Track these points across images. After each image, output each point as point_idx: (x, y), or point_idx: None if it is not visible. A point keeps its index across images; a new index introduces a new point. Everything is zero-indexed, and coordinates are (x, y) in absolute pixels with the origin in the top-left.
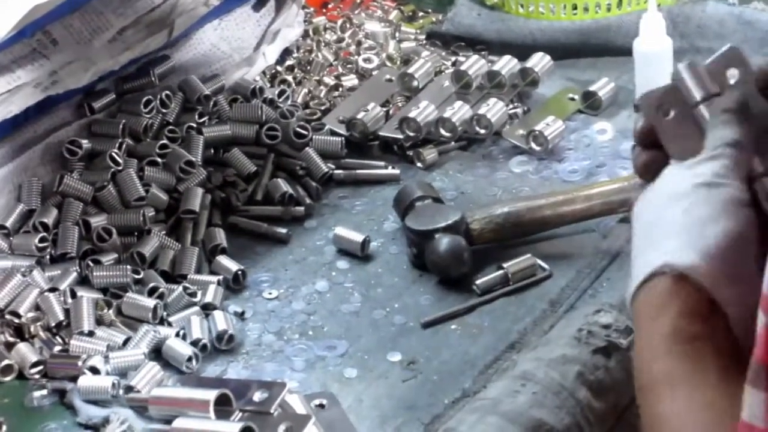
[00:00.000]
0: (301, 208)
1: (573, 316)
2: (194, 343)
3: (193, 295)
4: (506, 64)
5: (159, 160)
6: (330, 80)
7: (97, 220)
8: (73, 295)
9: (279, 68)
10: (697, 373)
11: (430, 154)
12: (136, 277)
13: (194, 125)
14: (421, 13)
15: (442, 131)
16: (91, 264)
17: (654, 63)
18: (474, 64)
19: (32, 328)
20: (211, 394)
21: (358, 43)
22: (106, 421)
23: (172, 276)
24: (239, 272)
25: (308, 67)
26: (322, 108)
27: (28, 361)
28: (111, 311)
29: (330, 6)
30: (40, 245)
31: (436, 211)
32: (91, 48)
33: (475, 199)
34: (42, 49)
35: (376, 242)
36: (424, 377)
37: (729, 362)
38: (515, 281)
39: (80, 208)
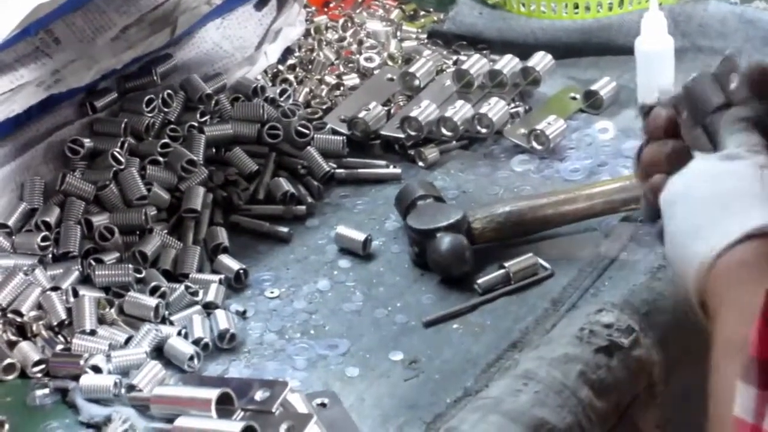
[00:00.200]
0: (303, 207)
1: (575, 315)
2: (196, 342)
3: (195, 294)
4: (508, 63)
5: (161, 159)
6: (331, 79)
7: (99, 219)
8: (75, 294)
9: (281, 67)
10: None
11: (431, 153)
12: (138, 276)
13: (196, 124)
14: (422, 12)
15: (444, 130)
16: (93, 263)
17: (655, 62)
18: (475, 63)
19: (34, 327)
20: (212, 393)
21: (360, 42)
22: (108, 420)
23: (174, 275)
24: (241, 271)
25: (310, 66)
26: (324, 107)
27: (30, 359)
28: (113, 310)
29: (331, 5)
30: (42, 244)
31: (438, 210)
32: (94, 46)
33: (476, 198)
34: (45, 48)
35: (378, 241)
36: (426, 376)
37: None
38: (517, 280)
39: (82, 207)
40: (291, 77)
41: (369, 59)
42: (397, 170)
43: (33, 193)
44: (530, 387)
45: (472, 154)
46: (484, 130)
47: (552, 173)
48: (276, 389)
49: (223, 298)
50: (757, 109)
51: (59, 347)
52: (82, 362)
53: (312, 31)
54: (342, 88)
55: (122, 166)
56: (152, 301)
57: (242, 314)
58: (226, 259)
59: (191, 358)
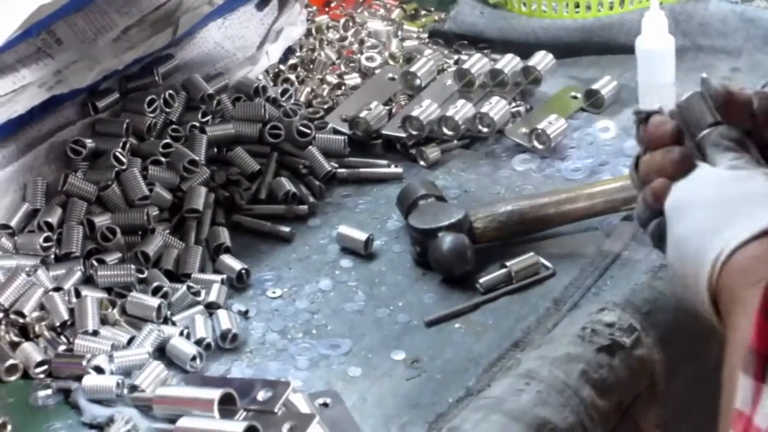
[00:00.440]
0: (305, 207)
1: (577, 314)
2: (198, 342)
3: (197, 294)
4: (509, 63)
5: (162, 159)
6: (333, 79)
7: (101, 220)
8: (78, 294)
9: (282, 67)
10: None
11: (432, 152)
12: (140, 276)
13: (197, 124)
14: (423, 12)
15: (445, 130)
16: (95, 263)
17: (656, 61)
18: (476, 63)
19: (37, 328)
20: (215, 394)
21: (361, 42)
22: (110, 420)
23: (176, 275)
24: (243, 271)
25: (311, 66)
26: (325, 106)
27: (33, 360)
28: (115, 310)
29: (333, 5)
30: (45, 245)
31: (440, 209)
32: (96, 47)
33: (478, 198)
34: (47, 49)
35: (380, 241)
36: (428, 376)
37: None
38: (518, 280)
39: (84, 207)
40: (292, 77)
41: (370, 59)
42: (399, 170)
43: (35, 194)
44: (532, 386)
45: (473, 154)
46: (485, 130)
47: (553, 172)
48: (278, 389)
49: (225, 298)
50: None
51: (62, 348)
52: (84, 363)
53: (313, 31)
54: (343, 88)
55: (124, 167)
56: (154, 302)
57: (244, 314)
58: (228, 259)
59: (193, 359)
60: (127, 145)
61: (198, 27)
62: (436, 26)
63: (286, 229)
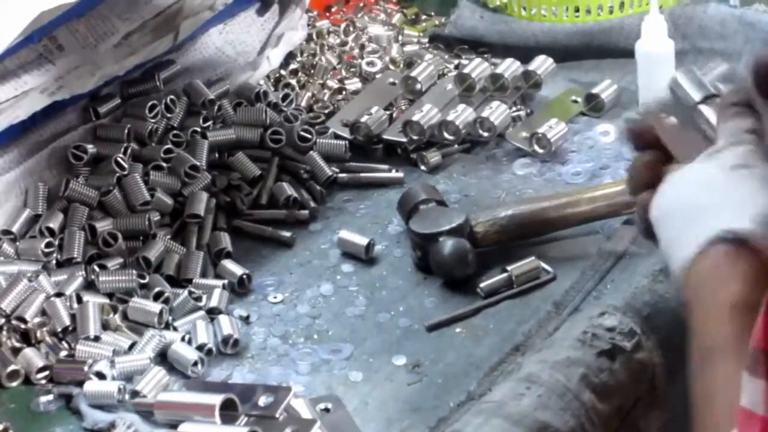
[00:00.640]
0: (306, 212)
1: (577, 318)
2: (200, 348)
3: (199, 299)
4: (509, 67)
5: (164, 164)
6: (333, 84)
7: (103, 225)
8: (79, 300)
9: (283, 72)
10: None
11: (433, 157)
12: (142, 281)
13: (199, 129)
14: (424, 16)
15: (446, 134)
16: (96, 269)
17: (656, 64)
18: (477, 67)
19: (38, 333)
20: (216, 399)
21: (362, 47)
22: (112, 425)
23: (178, 280)
24: (244, 276)
25: (312, 71)
26: (326, 111)
27: (35, 366)
28: (117, 316)
29: (333, 9)
30: (46, 250)
31: (440, 214)
32: (97, 53)
33: (478, 202)
34: (48, 55)
35: (381, 245)
36: (429, 380)
37: None
38: (519, 284)
39: (86, 212)
40: (293, 82)
41: (371, 63)
42: (400, 174)
43: (37, 199)
44: (533, 390)
45: (474, 158)
46: (485, 134)
47: (554, 176)
48: (279, 394)
49: (226, 303)
50: (745, 89)
51: (63, 353)
52: (86, 368)
53: (314, 36)
54: (344, 93)
55: (126, 172)
56: (156, 307)
57: (246, 319)
58: (229, 264)
59: (195, 364)
60: (129, 151)
61: (199, 32)
62: (436, 31)
63: (287, 233)
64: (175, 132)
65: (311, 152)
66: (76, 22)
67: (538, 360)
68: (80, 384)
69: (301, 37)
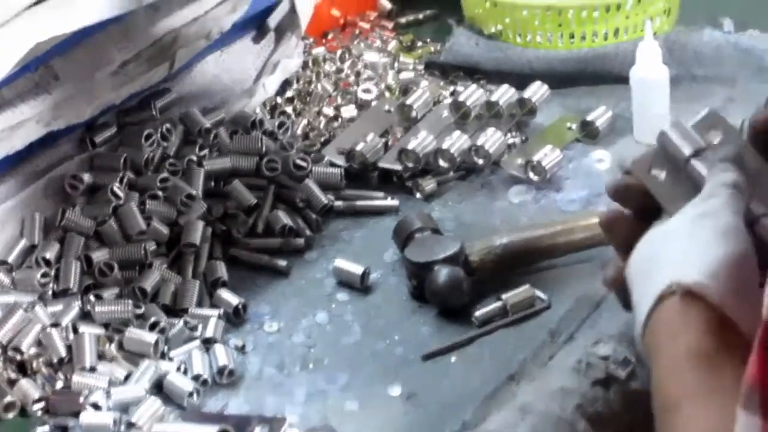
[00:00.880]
0: (301, 240)
1: (572, 347)
2: (195, 378)
3: (194, 329)
4: (504, 94)
5: (160, 193)
6: (329, 111)
7: (99, 255)
8: (75, 330)
9: (279, 99)
10: (716, 389)
11: (429, 184)
12: (138, 311)
13: (195, 158)
14: (419, 43)
15: (441, 162)
16: (92, 299)
17: (651, 91)
18: (472, 94)
19: (34, 364)
20: (212, 430)
21: (357, 74)
22: None
23: (174, 310)
24: (240, 306)
25: (308, 98)
26: (322, 139)
27: (31, 397)
28: (112, 346)
29: (329, 36)
30: (43, 281)
31: (435, 242)
32: (93, 82)
33: (474, 229)
34: (44, 84)
35: (376, 273)
36: (424, 410)
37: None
38: (514, 312)
39: (82, 242)
40: (289, 109)
41: (366, 91)
42: (395, 202)
43: (33, 229)
44: (528, 420)
45: (469, 185)
46: (481, 161)
47: (549, 203)
48: (274, 425)
49: (222, 332)
50: (736, 146)
51: (59, 384)
52: (82, 399)
53: (310, 63)
54: (340, 120)
55: (122, 201)
56: (151, 337)
57: (241, 349)
58: (225, 294)
59: (190, 395)
60: (125, 180)
61: (195, 60)
62: (432, 57)
63: (282, 262)
64: (171, 160)
65: (307, 180)
66: (73, 51)
67: (533, 389)
68: (76, 415)
69: (297, 65)
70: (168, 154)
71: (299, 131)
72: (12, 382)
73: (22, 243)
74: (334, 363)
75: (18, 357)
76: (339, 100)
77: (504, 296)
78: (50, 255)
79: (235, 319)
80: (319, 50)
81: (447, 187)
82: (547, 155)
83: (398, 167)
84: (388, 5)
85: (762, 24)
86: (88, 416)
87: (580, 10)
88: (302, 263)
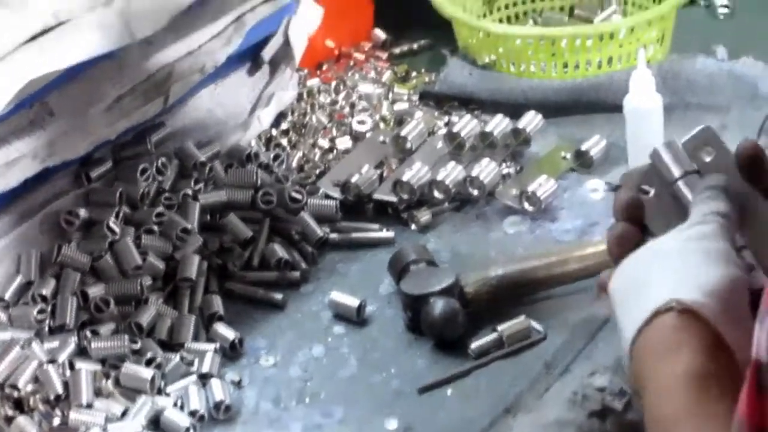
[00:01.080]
0: (297, 273)
1: (568, 378)
2: (192, 414)
3: (191, 364)
4: (498, 124)
5: (155, 228)
6: (324, 143)
7: (95, 290)
8: (72, 366)
9: (274, 132)
10: (710, 411)
11: (424, 215)
12: (134, 347)
13: (190, 192)
14: (414, 73)
15: (436, 193)
16: (89, 335)
17: (645, 120)
18: (466, 125)
19: (31, 401)
20: None
21: (352, 105)
22: None
23: (170, 344)
24: (236, 340)
25: (303, 130)
26: (317, 171)
27: None
28: (109, 382)
29: (324, 68)
30: (39, 317)
31: (431, 274)
32: (88, 117)
33: (469, 260)
34: (39, 121)
35: (372, 306)
36: None
37: (737, 399)
38: (510, 344)
39: (78, 278)
40: (284, 142)
41: (361, 122)
42: (390, 234)
43: (29, 266)
44: None
45: (464, 216)
46: (475, 192)
47: (544, 233)
48: None
49: (218, 367)
50: (724, 174)
51: (56, 421)
52: None
53: (305, 95)
54: (335, 152)
55: (117, 237)
56: (148, 373)
57: (238, 383)
58: (221, 328)
59: (187, 430)
60: (120, 215)
61: (189, 94)
62: (426, 88)
63: (278, 296)
64: (166, 195)
65: (302, 213)
66: (67, 86)
67: (530, 422)
68: None
69: (291, 97)
70: (163, 188)
71: (294, 163)
72: (9, 420)
73: (19, 279)
74: (331, 397)
75: (15, 394)
76: (334, 132)
77: (500, 327)
78: (46, 291)
79: (231, 353)
80: (314, 82)
81: (442, 218)
82: (542, 185)
83: (393, 199)
84: (383, 36)
85: (755, 52)
86: None
87: (573, 38)
88: (298, 296)
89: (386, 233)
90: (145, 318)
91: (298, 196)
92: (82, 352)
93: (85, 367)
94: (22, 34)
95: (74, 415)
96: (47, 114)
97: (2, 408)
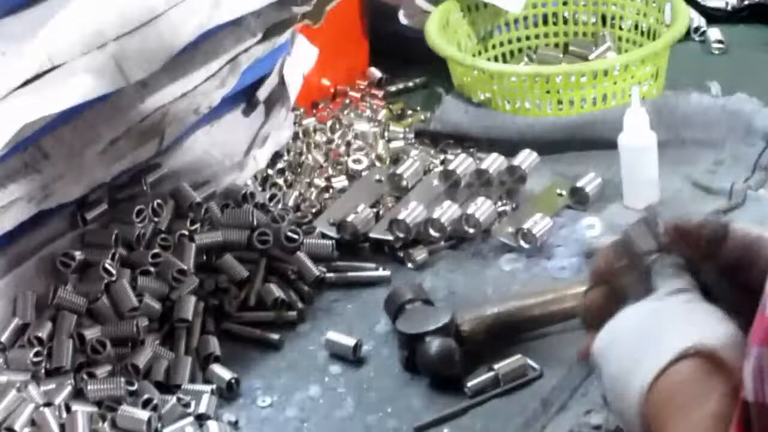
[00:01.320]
0: (294, 313)
1: (564, 416)
2: None
3: (187, 405)
4: (494, 162)
5: (152, 269)
6: (320, 182)
7: (91, 332)
8: (68, 409)
9: (270, 171)
10: None
11: (420, 254)
12: (131, 388)
13: (186, 232)
14: (409, 112)
15: (432, 231)
16: (85, 377)
17: (639, 157)
18: (462, 163)
19: None
20: None
21: (348, 144)
22: None
23: (167, 386)
24: (233, 380)
25: (299, 170)
26: (313, 210)
27: None
28: (106, 424)
29: (320, 106)
30: (35, 360)
31: (427, 313)
32: (83, 160)
33: (465, 298)
34: (34, 164)
35: (368, 345)
36: None
37: None
38: (506, 382)
39: (74, 320)
40: (280, 181)
41: (357, 161)
42: (387, 272)
43: (25, 308)
44: None
45: (460, 254)
46: (471, 230)
47: (540, 271)
48: None
49: (215, 408)
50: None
51: None
52: None
53: (300, 134)
54: (331, 191)
55: (114, 278)
56: (144, 415)
57: (234, 425)
58: (217, 369)
59: None
60: (116, 256)
61: (185, 135)
62: (421, 126)
63: (275, 336)
64: (162, 236)
65: (298, 252)
66: (62, 129)
67: None
68: None
69: (287, 136)
70: (159, 229)
71: (291, 203)
72: None
73: (15, 322)
74: None
75: None
76: (330, 171)
77: (496, 366)
78: (43, 333)
79: (228, 393)
80: (310, 121)
81: (438, 256)
82: (538, 223)
83: (389, 238)
84: (378, 74)
85: (749, 88)
86: None
87: (567, 76)
88: (295, 336)
89: (382, 272)
90: (142, 359)
91: (294, 236)
92: (78, 394)
93: (81, 410)
94: (17, 78)
95: None
96: (42, 157)
97: None
